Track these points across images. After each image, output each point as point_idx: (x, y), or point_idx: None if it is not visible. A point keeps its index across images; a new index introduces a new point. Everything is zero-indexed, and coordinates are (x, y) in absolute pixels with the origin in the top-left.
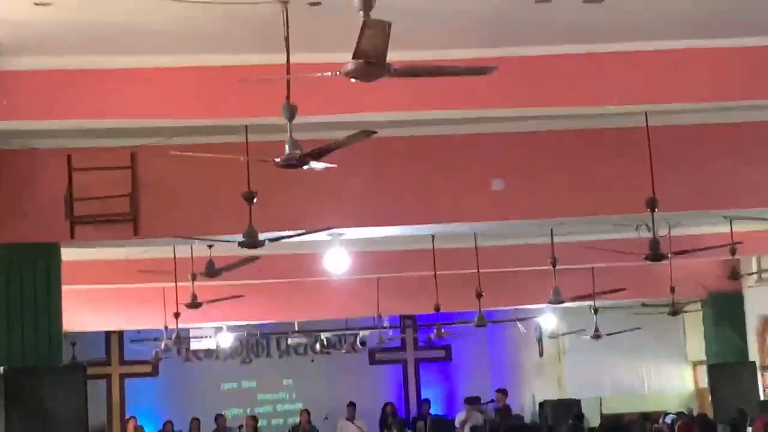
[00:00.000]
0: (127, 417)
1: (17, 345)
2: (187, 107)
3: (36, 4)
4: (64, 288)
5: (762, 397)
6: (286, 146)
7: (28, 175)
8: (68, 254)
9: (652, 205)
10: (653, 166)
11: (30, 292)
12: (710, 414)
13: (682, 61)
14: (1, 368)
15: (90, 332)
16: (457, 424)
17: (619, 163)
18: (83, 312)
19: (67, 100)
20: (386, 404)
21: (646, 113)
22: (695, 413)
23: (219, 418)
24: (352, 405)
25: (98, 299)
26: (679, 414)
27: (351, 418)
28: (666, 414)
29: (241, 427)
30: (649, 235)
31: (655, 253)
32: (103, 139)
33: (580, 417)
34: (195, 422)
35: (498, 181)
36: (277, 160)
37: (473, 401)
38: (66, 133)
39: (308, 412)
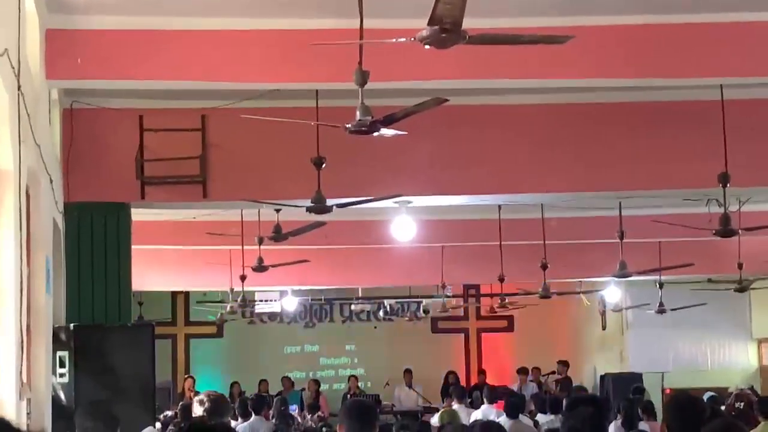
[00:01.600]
0: (185, 377)
1: (87, 303)
2: (258, 71)
3: None
4: (133, 248)
5: None
6: (357, 112)
7: (100, 135)
8: (137, 214)
9: (724, 179)
10: (726, 140)
11: (101, 251)
12: None
13: (760, 34)
14: (71, 325)
15: (156, 292)
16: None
17: (692, 136)
18: (151, 272)
19: (139, 60)
20: (449, 373)
21: (721, 86)
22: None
23: (285, 380)
24: (408, 371)
25: (165, 260)
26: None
27: (408, 384)
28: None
29: (303, 390)
30: (720, 210)
31: (726, 228)
32: (174, 100)
33: (641, 390)
34: (264, 383)
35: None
36: (348, 125)
37: (525, 371)
38: (138, 93)
39: (356, 378)
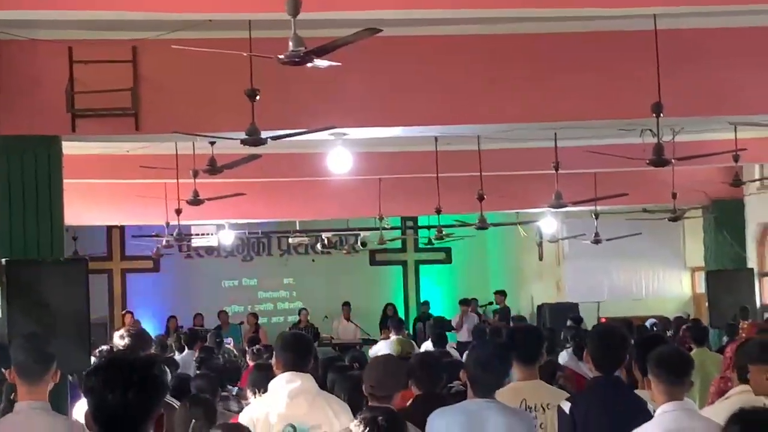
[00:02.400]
0: (123, 311)
1: (19, 237)
2: (190, 1)
3: None
4: (66, 182)
5: (759, 304)
6: (290, 43)
7: (29, 67)
8: (70, 148)
9: (657, 109)
10: (660, 70)
11: (31, 185)
12: (705, 320)
13: None
14: (3, 260)
15: (91, 227)
16: (453, 325)
17: (625, 66)
18: (85, 206)
19: None
20: (387, 305)
21: (654, 15)
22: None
23: (222, 314)
24: (347, 305)
25: (100, 194)
26: (677, 318)
27: (346, 317)
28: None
29: (241, 323)
30: (653, 140)
31: (659, 158)
32: (104, 31)
33: (578, 320)
34: (198, 317)
35: None
36: (281, 56)
37: (467, 302)
38: (67, 24)
39: (307, 311)
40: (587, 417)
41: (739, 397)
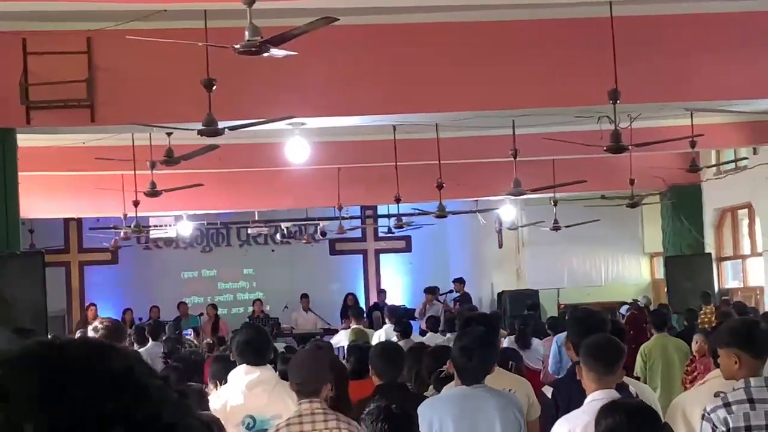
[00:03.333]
0: (87, 304)
1: None
2: None
3: None
4: (21, 175)
5: (717, 288)
6: (246, 32)
7: None
8: (25, 140)
9: (614, 96)
10: (616, 57)
11: None
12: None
13: None
14: None
15: (48, 219)
16: (416, 314)
17: (582, 53)
18: (41, 199)
19: None
20: (347, 295)
21: (610, 2)
22: (651, 303)
23: (181, 305)
24: (305, 296)
25: (56, 186)
26: (632, 303)
27: (305, 308)
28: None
29: (201, 315)
30: (611, 127)
31: (617, 144)
32: (58, 22)
33: (535, 306)
34: (155, 310)
35: None
36: (237, 46)
37: (432, 291)
38: (20, 15)
39: (261, 302)
40: (570, 401)
41: (715, 381)
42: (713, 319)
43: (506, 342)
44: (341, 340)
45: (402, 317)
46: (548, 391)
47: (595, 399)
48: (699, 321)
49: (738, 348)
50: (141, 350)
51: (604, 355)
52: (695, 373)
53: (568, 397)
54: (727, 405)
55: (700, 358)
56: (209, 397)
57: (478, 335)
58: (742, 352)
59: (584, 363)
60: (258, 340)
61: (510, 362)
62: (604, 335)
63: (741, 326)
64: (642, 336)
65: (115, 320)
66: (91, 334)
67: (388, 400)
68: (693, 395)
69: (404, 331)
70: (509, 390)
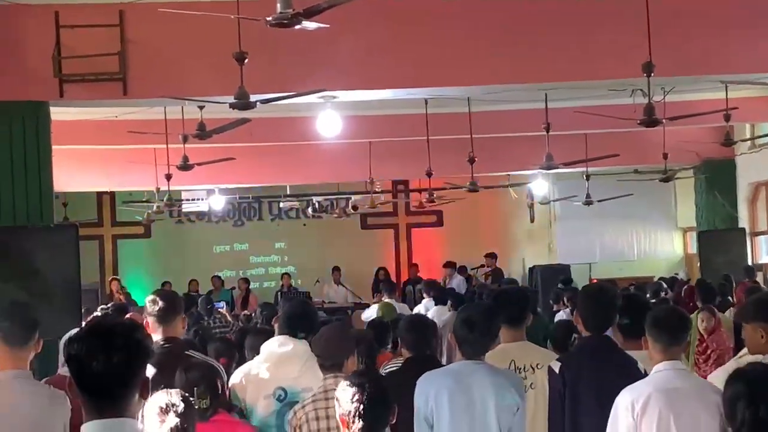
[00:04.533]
0: (110, 278)
1: (7, 203)
2: None
3: None
4: (55, 148)
5: (750, 263)
6: (278, 4)
7: (15, 32)
8: (58, 114)
9: (648, 69)
10: (650, 30)
11: (19, 151)
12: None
13: None
14: None
15: (82, 193)
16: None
17: (616, 26)
18: (74, 172)
19: None
20: (379, 269)
21: None
22: (685, 278)
23: (214, 279)
24: (337, 269)
25: (89, 160)
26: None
27: (337, 282)
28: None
29: (233, 288)
30: (644, 101)
31: (650, 118)
32: None
33: (568, 281)
34: (194, 283)
35: None
36: (269, 18)
37: (452, 265)
38: None
39: (290, 276)
40: (578, 376)
41: (748, 357)
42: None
43: (563, 315)
44: (372, 314)
45: (442, 291)
46: (556, 366)
47: (659, 370)
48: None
49: (765, 322)
50: None
51: (669, 325)
52: (708, 351)
53: (576, 371)
54: None
55: (709, 336)
56: (240, 368)
57: (482, 307)
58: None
59: (649, 334)
60: (305, 312)
61: (573, 335)
62: (669, 306)
63: (766, 300)
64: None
65: (172, 291)
66: (149, 305)
67: (414, 373)
68: (729, 371)
69: (445, 304)
70: (536, 365)
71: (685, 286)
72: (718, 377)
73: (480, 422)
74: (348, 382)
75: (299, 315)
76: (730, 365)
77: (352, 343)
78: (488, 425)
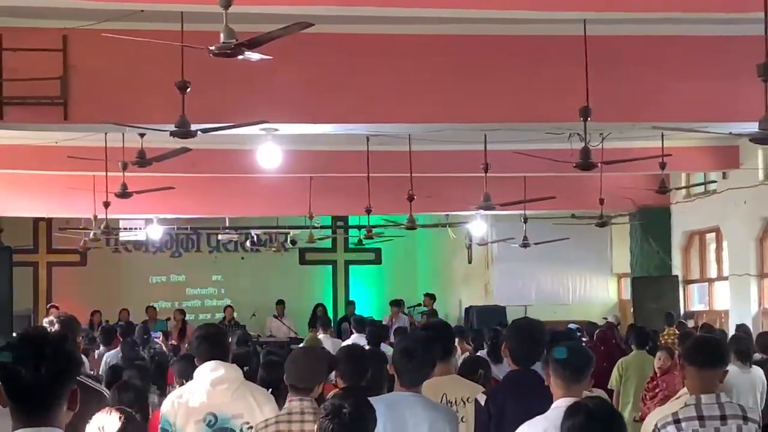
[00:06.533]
0: (48, 305)
1: None
2: None
3: None
4: None
5: (683, 311)
6: (221, 34)
7: None
8: None
9: (585, 113)
10: (588, 75)
11: None
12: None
13: None
14: None
15: (18, 218)
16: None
17: (555, 70)
18: (11, 197)
19: None
20: (317, 305)
21: (584, 21)
22: (615, 322)
23: (149, 309)
24: (281, 302)
25: (26, 185)
26: (605, 321)
27: (279, 316)
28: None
29: (168, 319)
30: (581, 145)
31: (586, 161)
32: (34, 19)
33: (504, 325)
34: (124, 312)
35: None
36: (212, 48)
37: (398, 303)
38: None
39: (232, 308)
40: (503, 409)
41: (685, 397)
42: (675, 339)
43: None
44: None
45: (371, 326)
46: (482, 398)
47: (559, 406)
48: (662, 341)
49: (688, 362)
50: (112, 352)
51: (572, 362)
52: (656, 390)
53: (503, 404)
54: (677, 422)
55: (662, 375)
56: (172, 393)
57: (420, 337)
58: (687, 364)
59: (552, 370)
60: (214, 335)
61: (479, 370)
62: (574, 343)
63: (695, 342)
64: (614, 352)
65: (71, 315)
66: (47, 326)
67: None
68: (666, 411)
69: (372, 340)
70: (467, 399)
71: (597, 330)
72: (655, 416)
73: None
74: (325, 404)
75: (218, 336)
76: (668, 406)
77: (325, 370)
78: None
